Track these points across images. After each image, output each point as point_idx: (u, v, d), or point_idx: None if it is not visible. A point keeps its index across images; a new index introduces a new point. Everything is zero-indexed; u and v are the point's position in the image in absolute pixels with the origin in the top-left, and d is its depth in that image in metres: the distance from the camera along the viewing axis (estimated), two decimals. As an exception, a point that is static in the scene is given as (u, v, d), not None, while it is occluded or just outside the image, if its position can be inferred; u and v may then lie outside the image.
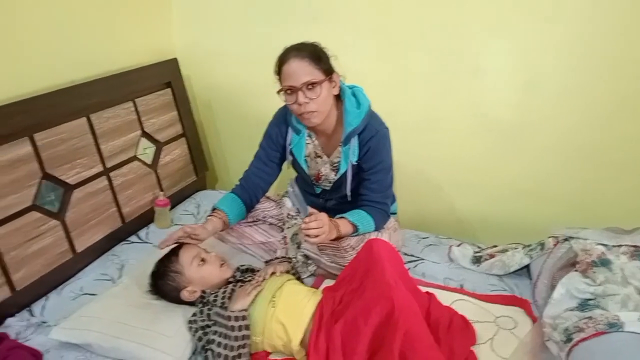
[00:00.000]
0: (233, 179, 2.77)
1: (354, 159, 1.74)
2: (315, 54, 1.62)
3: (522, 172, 2.17)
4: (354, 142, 1.72)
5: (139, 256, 1.96)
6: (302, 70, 1.59)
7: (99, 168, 1.96)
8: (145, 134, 2.20)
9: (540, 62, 1.97)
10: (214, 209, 1.83)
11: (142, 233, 2.14)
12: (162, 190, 2.24)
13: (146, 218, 2.18)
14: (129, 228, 2.11)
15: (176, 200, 2.36)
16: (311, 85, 1.60)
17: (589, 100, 1.96)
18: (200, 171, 2.54)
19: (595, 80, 1.92)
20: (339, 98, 1.74)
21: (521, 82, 2.03)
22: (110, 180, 2.01)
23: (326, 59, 1.64)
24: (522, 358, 1.48)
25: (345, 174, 1.78)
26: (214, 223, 1.76)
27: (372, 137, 1.71)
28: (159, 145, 2.27)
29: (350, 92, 1.74)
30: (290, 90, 1.63)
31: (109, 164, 2.00)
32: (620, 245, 1.65)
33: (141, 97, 2.18)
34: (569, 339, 1.39)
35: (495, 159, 2.18)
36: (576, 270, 1.61)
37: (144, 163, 2.19)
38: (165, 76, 2.33)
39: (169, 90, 2.34)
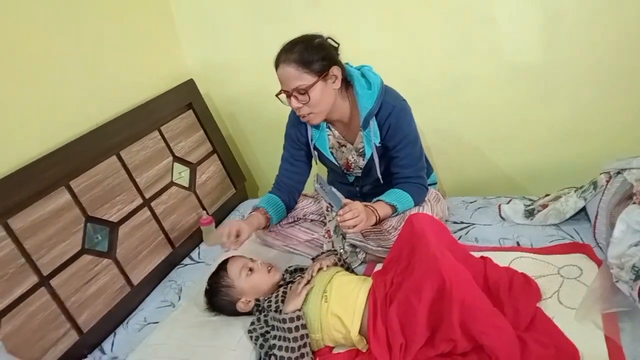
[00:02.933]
0: (272, 183, 2.80)
1: (376, 140, 1.70)
2: (303, 57, 1.55)
3: (561, 113, 2.06)
4: (373, 123, 1.68)
5: (195, 277, 2.00)
6: (290, 76, 1.57)
7: (138, 201, 2.01)
8: (177, 159, 2.23)
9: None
10: (253, 210, 1.84)
11: (194, 254, 2.18)
12: (204, 209, 2.28)
13: (195, 238, 2.22)
14: (181, 252, 2.15)
15: (221, 215, 2.39)
16: (302, 90, 1.57)
17: (611, 23, 1.84)
18: (239, 183, 2.56)
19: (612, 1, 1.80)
20: (349, 83, 1.70)
21: (539, 21, 1.93)
22: (152, 210, 2.06)
23: (319, 58, 1.56)
24: (593, 305, 1.40)
25: (372, 157, 1.75)
26: (255, 217, 1.77)
27: (390, 114, 1.67)
28: (193, 167, 2.31)
29: (359, 74, 1.70)
30: (285, 94, 1.62)
31: (147, 195, 2.05)
32: (676, 167, 1.54)
33: (165, 123, 2.21)
34: (638, 276, 1.31)
35: (528, 105, 2.08)
36: (634, 203, 1.51)
37: (182, 187, 2.23)
38: (185, 98, 2.36)
39: (190, 111, 2.37)
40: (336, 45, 1.64)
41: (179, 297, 1.92)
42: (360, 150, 1.78)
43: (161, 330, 1.66)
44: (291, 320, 1.42)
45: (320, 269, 1.58)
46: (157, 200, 2.09)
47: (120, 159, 1.98)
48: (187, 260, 2.15)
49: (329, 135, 1.80)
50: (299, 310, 1.46)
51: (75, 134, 1.88)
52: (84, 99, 1.96)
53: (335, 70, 1.60)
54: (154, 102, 2.20)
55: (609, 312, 1.36)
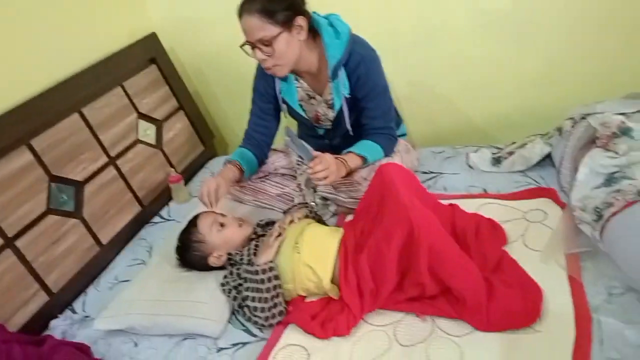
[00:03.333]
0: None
1: (345, 92, 1.68)
2: (267, 7, 1.50)
3: (531, 59, 2.06)
4: (342, 74, 1.65)
5: (166, 234, 1.98)
6: (253, 26, 1.52)
7: (104, 159, 1.97)
8: (142, 115, 2.18)
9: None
10: (225, 163, 1.82)
11: (164, 212, 2.16)
12: (172, 166, 2.24)
13: (164, 196, 2.20)
14: (150, 210, 2.13)
15: (190, 172, 2.36)
16: (265, 41, 1.53)
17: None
18: (207, 140, 2.52)
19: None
20: (316, 33, 1.66)
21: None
22: (118, 169, 2.02)
23: (282, 7, 1.51)
24: (557, 246, 1.45)
25: (341, 109, 1.73)
26: (230, 170, 1.76)
27: (359, 64, 1.64)
28: (159, 124, 2.26)
29: (326, 23, 1.66)
30: (249, 45, 1.58)
31: (113, 153, 2.00)
32: (638, 111, 1.57)
33: (128, 79, 2.14)
34: (600, 216, 1.35)
35: (500, 52, 2.07)
36: (597, 147, 1.55)
37: (148, 144, 2.19)
38: (148, 53, 2.28)
39: (154, 66, 2.29)
40: None
41: (150, 255, 1.91)
42: (330, 102, 1.76)
43: (133, 286, 1.65)
44: (263, 271, 1.43)
45: (291, 221, 1.59)
46: (123, 158, 2.05)
47: (82, 116, 1.92)
48: (156, 219, 2.13)
49: (297, 87, 1.77)
50: (271, 261, 1.47)
51: (34, 91, 1.80)
52: (42, 56, 1.87)
53: (300, 20, 1.56)
54: (115, 57, 2.12)
55: (572, 253, 1.41)
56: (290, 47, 1.57)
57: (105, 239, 1.90)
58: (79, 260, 1.79)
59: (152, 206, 2.14)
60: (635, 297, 1.24)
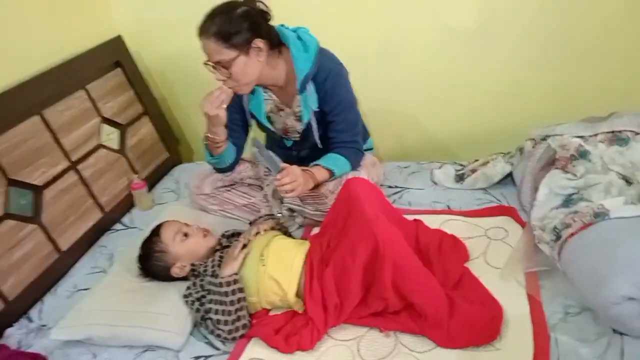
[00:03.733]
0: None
1: (313, 105, 1.68)
2: (222, 31, 1.49)
3: (496, 78, 2.12)
4: (310, 87, 1.66)
5: (127, 242, 1.94)
6: (210, 50, 1.53)
7: (65, 164, 1.91)
8: (105, 119, 2.13)
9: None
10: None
11: (126, 219, 2.12)
12: (135, 172, 2.20)
13: (126, 203, 2.15)
14: (111, 217, 2.08)
15: (153, 179, 2.32)
16: (223, 64, 1.53)
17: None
18: (172, 146, 2.49)
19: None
20: (283, 46, 1.66)
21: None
22: (79, 174, 1.96)
23: (239, 30, 1.50)
24: (517, 264, 1.49)
25: (309, 122, 1.73)
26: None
27: (327, 78, 1.65)
28: (123, 128, 2.21)
29: (294, 37, 1.66)
30: (209, 65, 1.57)
31: (74, 157, 1.95)
32: (596, 134, 1.64)
33: (92, 82, 2.10)
34: (558, 237, 1.40)
35: (463, 70, 2.13)
36: (557, 168, 1.60)
37: (111, 149, 2.14)
38: (113, 56, 2.24)
39: (119, 70, 2.25)
40: (265, 9, 1.57)
41: (111, 263, 1.87)
42: (298, 115, 1.76)
43: (93, 296, 1.61)
44: (227, 284, 1.42)
45: (257, 233, 1.58)
46: (84, 163, 2.00)
47: (43, 119, 1.86)
48: (118, 226, 2.09)
49: (266, 99, 1.77)
50: (236, 274, 1.45)
51: (-8, 91, 1.75)
52: (2, 55, 1.82)
53: (258, 43, 1.55)
54: (79, 59, 2.07)
55: (531, 271, 1.45)
56: (248, 68, 1.56)
57: (64, 245, 1.84)
58: (36, 267, 1.73)
59: (113, 213, 2.09)
60: (590, 317, 1.28)
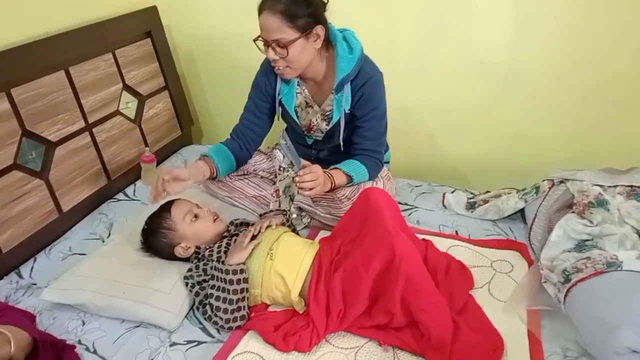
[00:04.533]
0: (219, 133, 2.72)
1: (347, 106, 1.68)
2: (290, 10, 1.48)
3: (516, 115, 2.14)
4: (347, 89, 1.66)
5: (128, 214, 1.92)
6: (272, 26, 1.50)
7: (81, 124, 1.88)
8: (127, 87, 2.11)
9: (532, 0, 1.91)
10: (200, 157, 1.76)
11: (129, 190, 2.09)
12: (147, 145, 2.17)
13: (133, 175, 2.13)
14: (116, 185, 2.05)
15: (162, 156, 2.30)
16: (281, 43, 1.52)
17: (580, 39, 1.92)
18: (186, 125, 2.47)
19: (587, 18, 1.88)
20: (329, 43, 1.66)
21: (513, 22, 1.97)
22: (93, 137, 1.94)
23: (305, 14, 1.50)
24: (520, 300, 1.48)
25: (338, 122, 1.73)
26: (199, 166, 1.69)
27: (366, 83, 1.65)
28: (142, 99, 2.19)
29: (341, 37, 1.66)
30: (263, 41, 1.56)
31: (91, 119, 1.92)
32: (616, 186, 1.65)
33: (120, 48, 2.07)
34: (567, 280, 1.40)
35: (487, 103, 2.15)
36: (573, 212, 1.61)
37: (127, 118, 2.11)
38: (145, 25, 2.22)
39: (148, 40, 2.23)
40: (325, 1, 1.58)
41: (109, 233, 1.84)
42: (327, 114, 1.75)
43: (89, 262, 1.58)
44: (234, 272, 1.40)
45: (269, 226, 1.56)
46: (100, 126, 1.97)
47: (68, 75, 1.83)
48: (121, 196, 2.06)
49: (297, 92, 1.76)
50: (243, 264, 1.44)
51: (23, 39, 1.71)
52: (38, 4, 1.79)
53: (319, 30, 1.55)
54: (112, 22, 2.05)
55: (534, 309, 1.45)
56: (304, 53, 1.56)
57: (66, 206, 1.81)
58: (35, 224, 1.70)
59: (118, 182, 2.06)
60: (589, 363, 1.29)
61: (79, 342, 1.39)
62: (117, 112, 2.06)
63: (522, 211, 1.86)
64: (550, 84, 2.03)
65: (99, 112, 1.96)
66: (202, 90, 2.64)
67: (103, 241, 1.78)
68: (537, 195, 1.80)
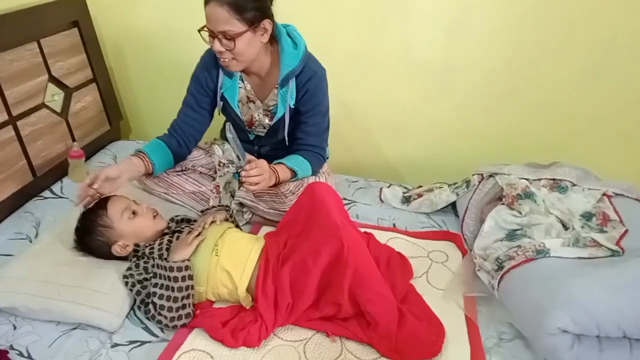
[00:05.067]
0: (148, 128, 2.64)
1: (291, 102, 1.69)
2: (238, 2, 1.46)
3: (449, 114, 2.24)
4: (292, 84, 1.66)
5: (55, 212, 1.82)
6: (219, 18, 1.47)
7: (4, 116, 1.76)
8: (53, 79, 1.99)
9: (469, 2, 2.00)
10: (135, 153, 1.70)
11: (56, 187, 1.97)
12: (74, 140, 2.06)
13: (59, 171, 2.01)
14: (41, 182, 1.93)
15: (90, 151, 2.18)
16: (228, 35, 1.50)
17: (515, 41, 2.03)
18: (114, 120, 2.36)
19: (520, 23, 1.99)
20: (274, 38, 1.66)
21: (448, 23, 2.05)
22: (17, 130, 1.81)
23: (253, 7, 1.48)
24: (457, 288, 1.56)
25: (282, 118, 1.73)
26: (132, 162, 1.62)
27: (311, 79, 1.67)
28: (69, 91, 2.07)
29: (285, 32, 1.66)
30: (209, 32, 1.53)
31: (14, 112, 1.80)
32: (540, 179, 1.77)
33: (46, 37, 1.95)
34: (500, 267, 1.48)
35: (423, 101, 2.23)
36: (503, 204, 1.71)
37: (54, 111, 1.99)
38: (72, 15, 2.10)
39: (76, 30, 2.11)
40: None
41: (37, 232, 1.74)
42: (270, 109, 1.75)
43: (20, 263, 1.48)
44: (179, 269, 1.37)
45: (213, 222, 1.54)
46: (24, 120, 1.85)
47: (-11, 65, 1.71)
48: (47, 193, 1.94)
49: (239, 87, 1.74)
50: (188, 260, 1.41)
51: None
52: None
53: (266, 24, 1.55)
54: (37, 10, 1.92)
55: (470, 296, 1.53)
56: (250, 46, 1.55)
57: (-12, 205, 1.69)
58: (-46, 224, 1.57)
59: (44, 179, 1.94)
60: (522, 344, 1.38)
61: (11, 347, 1.31)
62: (42, 105, 1.94)
63: (453, 204, 1.95)
64: (481, 84, 2.15)
65: (24, 104, 1.84)
66: (131, 84, 2.54)
67: (31, 241, 1.67)
68: (467, 188, 1.90)
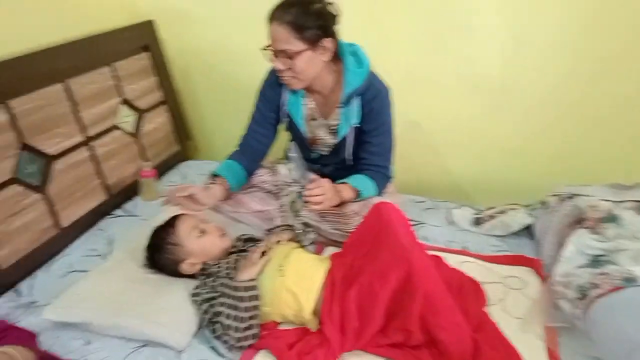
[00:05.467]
0: (215, 149, 2.68)
1: (356, 121, 1.66)
2: (298, 22, 1.46)
3: (511, 131, 2.15)
4: (355, 103, 1.64)
5: (127, 230, 1.86)
6: (280, 37, 1.48)
7: (79, 137, 1.84)
8: (126, 101, 2.07)
9: (528, 18, 1.93)
10: (213, 176, 1.73)
11: (129, 206, 2.04)
12: (146, 160, 2.12)
13: (131, 190, 2.08)
14: (115, 201, 2.00)
15: (160, 171, 2.24)
16: (289, 54, 1.50)
17: (575, 57, 1.94)
18: (184, 140, 2.43)
19: (582, 37, 1.90)
20: (338, 56, 1.64)
21: (509, 39, 1.98)
22: (92, 150, 1.89)
23: (313, 26, 1.48)
24: (537, 317, 1.46)
25: (345, 137, 1.70)
26: (215, 189, 1.66)
27: (375, 97, 1.63)
28: (140, 113, 2.15)
29: (349, 51, 1.65)
30: (271, 52, 1.54)
31: (90, 133, 1.88)
32: (623, 201, 1.65)
33: (119, 60, 2.04)
34: (584, 296, 1.38)
35: (483, 117, 2.15)
36: (584, 227, 1.60)
37: (126, 132, 2.07)
38: (142, 39, 2.19)
39: (146, 54, 2.20)
40: (336, 13, 1.56)
41: (110, 248, 1.79)
42: (333, 128, 1.73)
43: (93, 279, 1.52)
44: (246, 289, 1.36)
45: (278, 242, 1.52)
46: (98, 140, 1.92)
47: (66, 88, 1.79)
48: (119, 212, 2.00)
49: (303, 105, 1.73)
50: (254, 280, 1.39)
51: (22, 50, 1.67)
52: (37, 15, 1.76)
53: (327, 43, 1.53)
54: (110, 35, 2.01)
55: (550, 326, 1.43)
56: (311, 65, 1.54)
57: (65, 222, 1.76)
58: (34, 240, 1.64)
59: (117, 197, 2.01)
60: (611, 380, 1.26)
61: (83, 363, 1.33)
62: (115, 127, 2.02)
63: (528, 226, 1.85)
64: (545, 99, 2.05)
65: (98, 125, 1.92)
66: (198, 105, 2.60)
67: (103, 258, 1.72)
68: (545, 210, 1.79)
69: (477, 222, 1.91)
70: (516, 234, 1.86)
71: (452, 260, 1.67)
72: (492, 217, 1.90)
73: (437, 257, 1.63)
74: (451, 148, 2.28)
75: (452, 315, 1.29)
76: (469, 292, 1.51)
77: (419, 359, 1.30)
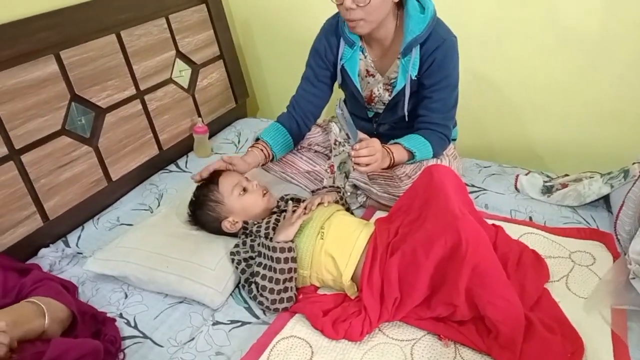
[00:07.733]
0: (275, 106, 2.61)
1: (413, 73, 1.52)
2: None
3: (605, 92, 1.89)
4: (415, 52, 1.49)
5: (179, 186, 1.86)
6: None
7: (132, 91, 1.82)
8: (181, 55, 2.03)
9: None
10: (257, 140, 1.67)
11: (182, 162, 2.03)
12: (200, 116, 2.10)
13: (185, 146, 2.06)
14: (167, 156, 1.99)
15: (215, 128, 2.22)
16: None
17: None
18: (240, 97, 2.37)
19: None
20: (399, 3, 1.50)
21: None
22: (144, 104, 1.87)
23: None
24: (604, 297, 1.30)
25: (402, 91, 1.57)
26: (254, 155, 1.60)
27: (438, 47, 1.48)
28: (196, 68, 2.11)
29: None
30: None
31: (142, 87, 1.86)
32: None
33: (175, 13, 1.99)
34: (662, 278, 1.20)
35: (573, 77, 1.91)
36: (670, 201, 1.40)
37: (180, 87, 2.04)
38: (200, -10, 2.13)
39: (204, 6, 2.13)
40: None
41: (159, 203, 1.79)
42: (391, 82, 1.60)
43: (134, 233, 1.52)
44: (282, 250, 1.30)
45: (320, 203, 1.45)
46: (151, 94, 1.90)
47: (119, 39, 1.77)
48: (172, 167, 2.00)
49: (360, 59, 1.61)
50: (292, 241, 1.33)
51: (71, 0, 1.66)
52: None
53: None
54: (166, -15, 1.97)
55: (619, 308, 1.26)
56: (382, 6, 1.42)
57: (115, 175, 1.76)
58: (83, 192, 1.66)
59: (170, 153, 2.00)
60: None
61: (120, 315, 1.34)
62: (169, 81, 1.99)
63: (606, 197, 1.65)
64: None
65: (151, 79, 1.90)
66: (258, 61, 2.53)
67: (152, 212, 1.72)
68: (625, 180, 1.58)
69: (547, 190, 1.73)
70: (592, 204, 1.67)
71: (514, 231, 1.53)
72: (564, 185, 1.72)
73: (496, 226, 1.49)
74: (528, 109, 2.06)
75: (502, 290, 1.17)
76: (528, 265, 1.37)
77: (464, 335, 1.20)
